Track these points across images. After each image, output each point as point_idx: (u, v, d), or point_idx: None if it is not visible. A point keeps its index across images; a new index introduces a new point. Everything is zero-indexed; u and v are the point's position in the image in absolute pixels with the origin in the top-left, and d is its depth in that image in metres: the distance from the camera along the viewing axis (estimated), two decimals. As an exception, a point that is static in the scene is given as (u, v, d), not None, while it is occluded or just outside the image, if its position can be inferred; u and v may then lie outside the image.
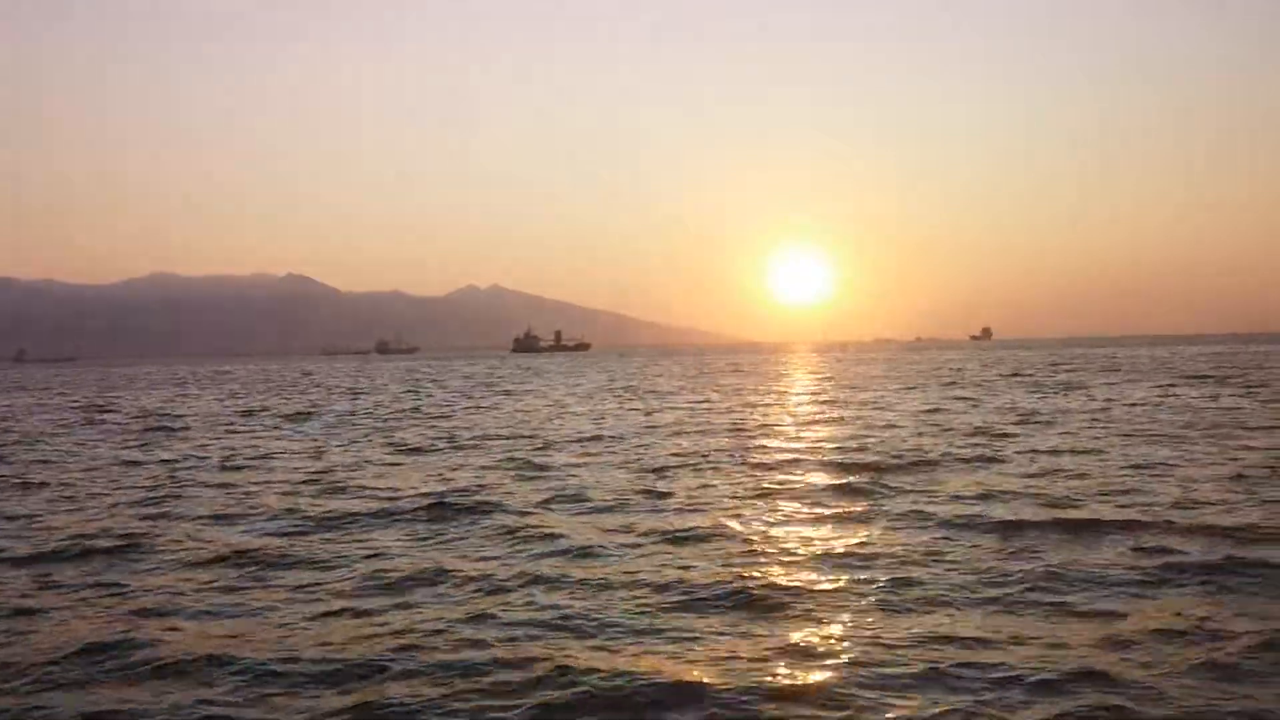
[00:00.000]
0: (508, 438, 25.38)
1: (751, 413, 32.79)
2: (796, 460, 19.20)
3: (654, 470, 18.15)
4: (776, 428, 26.78)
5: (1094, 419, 26.77)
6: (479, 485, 16.67)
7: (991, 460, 18.48)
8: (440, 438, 25.82)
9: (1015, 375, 58.21)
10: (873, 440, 22.42)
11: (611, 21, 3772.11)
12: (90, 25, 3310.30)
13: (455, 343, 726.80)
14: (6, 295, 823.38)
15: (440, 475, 18.20)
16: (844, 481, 16.01)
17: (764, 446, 21.85)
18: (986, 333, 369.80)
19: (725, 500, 14.63)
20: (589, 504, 14.58)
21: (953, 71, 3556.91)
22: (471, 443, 24.33)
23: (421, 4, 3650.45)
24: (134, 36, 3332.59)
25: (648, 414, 32.98)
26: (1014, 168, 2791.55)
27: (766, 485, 15.97)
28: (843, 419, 29.15)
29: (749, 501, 14.48)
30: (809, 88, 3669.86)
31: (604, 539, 11.90)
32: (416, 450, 22.87)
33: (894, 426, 26.05)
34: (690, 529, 12.35)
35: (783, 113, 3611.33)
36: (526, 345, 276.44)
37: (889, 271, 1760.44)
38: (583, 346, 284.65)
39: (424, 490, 16.07)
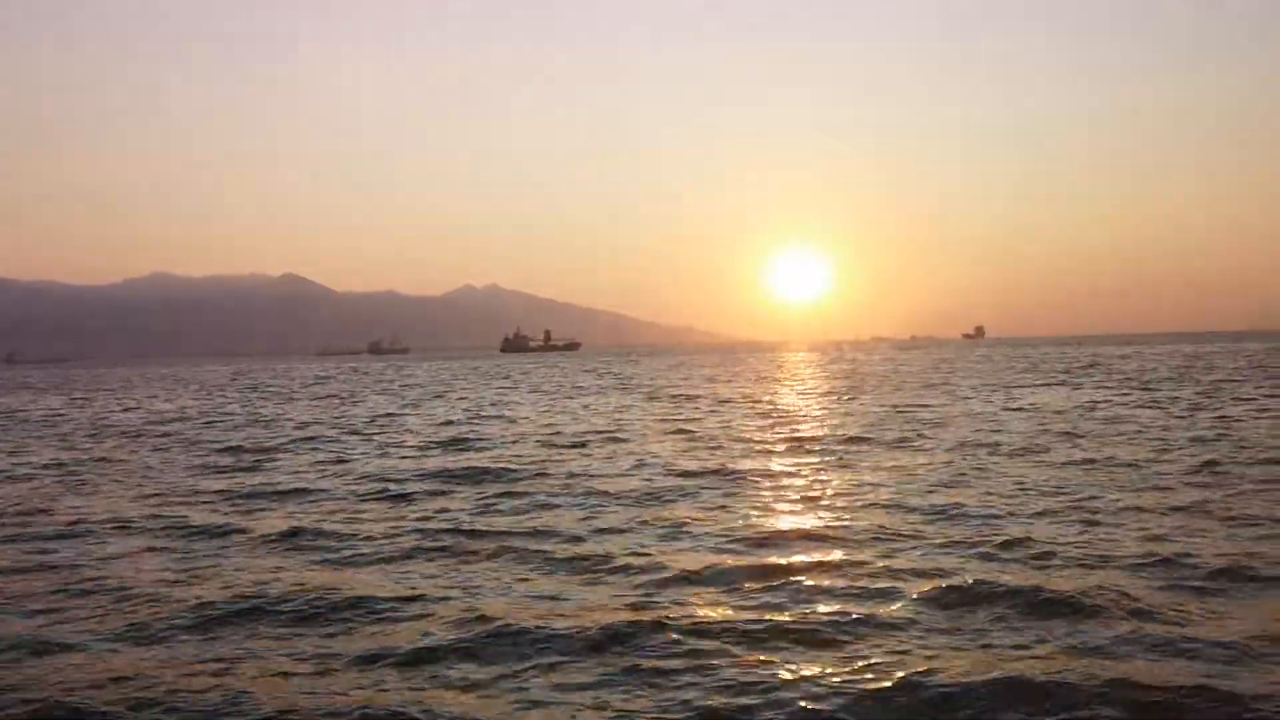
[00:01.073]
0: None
1: (590, 423, 32.85)
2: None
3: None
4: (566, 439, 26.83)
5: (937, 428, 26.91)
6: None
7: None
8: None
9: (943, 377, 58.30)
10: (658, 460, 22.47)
11: (611, 21, 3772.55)
12: (87, 25, 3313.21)
13: (455, 343, 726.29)
14: (4, 296, 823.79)
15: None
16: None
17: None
18: (980, 331, 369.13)
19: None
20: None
21: (952, 72, 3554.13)
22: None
23: (419, 4, 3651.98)
24: (131, 36, 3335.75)
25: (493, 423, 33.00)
26: (1013, 167, 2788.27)
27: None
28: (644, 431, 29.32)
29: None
30: (809, 88, 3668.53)
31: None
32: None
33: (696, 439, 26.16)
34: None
35: (783, 113, 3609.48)
36: (515, 345, 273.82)
37: (889, 270, 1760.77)
38: (572, 346, 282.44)
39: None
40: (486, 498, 15.43)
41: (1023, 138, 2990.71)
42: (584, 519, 13.35)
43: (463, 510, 14.31)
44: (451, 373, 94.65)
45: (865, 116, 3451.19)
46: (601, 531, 12.50)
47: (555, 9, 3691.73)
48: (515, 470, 18.48)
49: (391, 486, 16.80)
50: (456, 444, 23.80)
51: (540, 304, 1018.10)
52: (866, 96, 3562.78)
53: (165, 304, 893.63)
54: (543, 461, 19.83)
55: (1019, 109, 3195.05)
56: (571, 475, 17.54)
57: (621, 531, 12.46)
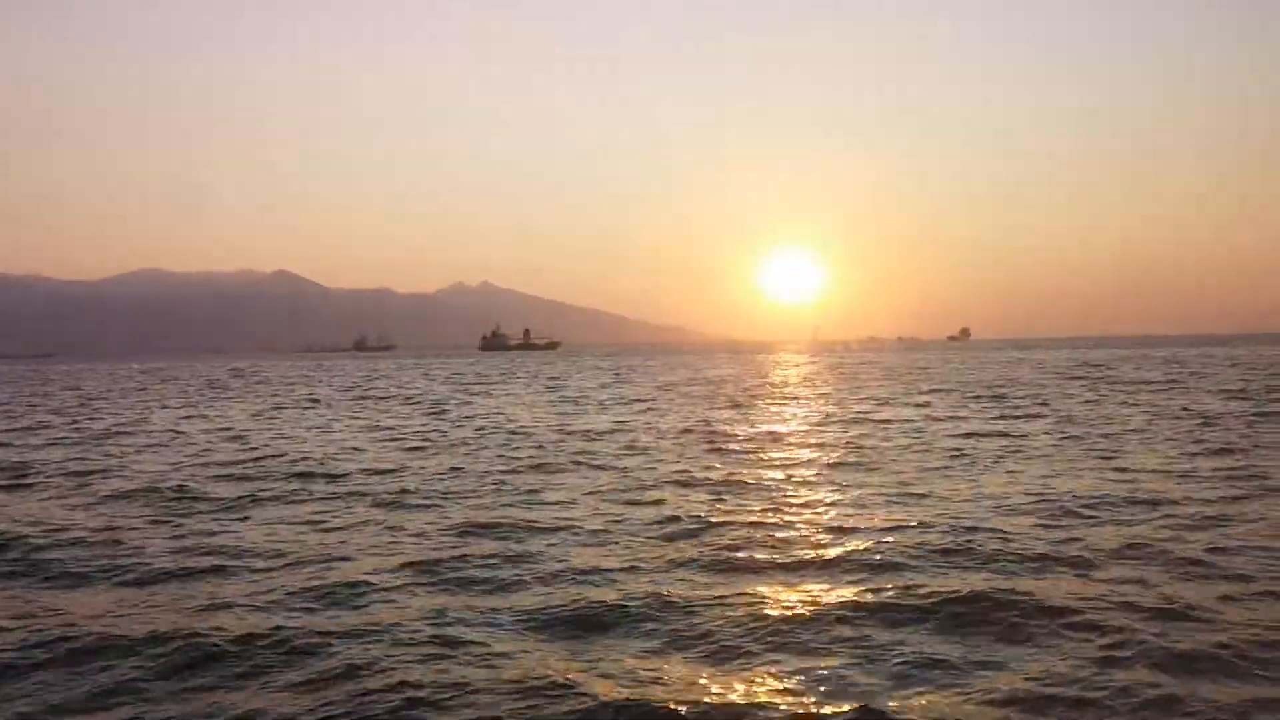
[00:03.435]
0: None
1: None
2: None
3: None
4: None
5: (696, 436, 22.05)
6: None
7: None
8: None
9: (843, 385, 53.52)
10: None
11: (608, 21, 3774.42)
12: (78, 20, 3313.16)
13: (448, 340, 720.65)
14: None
15: None
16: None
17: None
18: (964, 333, 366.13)
19: None
20: None
21: (945, 74, 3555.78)
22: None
23: (414, 1, 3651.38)
24: (122, 31, 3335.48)
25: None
26: (1009, 168, 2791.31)
27: None
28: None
29: None
30: (807, 88, 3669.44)
31: None
32: None
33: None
34: None
35: (780, 113, 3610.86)
36: (494, 344, 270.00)
37: (886, 270, 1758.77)
38: (552, 345, 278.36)
39: None
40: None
41: (1017, 137, 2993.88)
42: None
43: None
44: (368, 373, 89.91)
45: (862, 116, 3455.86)
46: None
47: (551, 8, 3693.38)
48: None
49: None
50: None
51: (533, 302, 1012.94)
52: (863, 97, 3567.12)
53: (153, 300, 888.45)
54: None
55: (1014, 110, 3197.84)
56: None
57: None
